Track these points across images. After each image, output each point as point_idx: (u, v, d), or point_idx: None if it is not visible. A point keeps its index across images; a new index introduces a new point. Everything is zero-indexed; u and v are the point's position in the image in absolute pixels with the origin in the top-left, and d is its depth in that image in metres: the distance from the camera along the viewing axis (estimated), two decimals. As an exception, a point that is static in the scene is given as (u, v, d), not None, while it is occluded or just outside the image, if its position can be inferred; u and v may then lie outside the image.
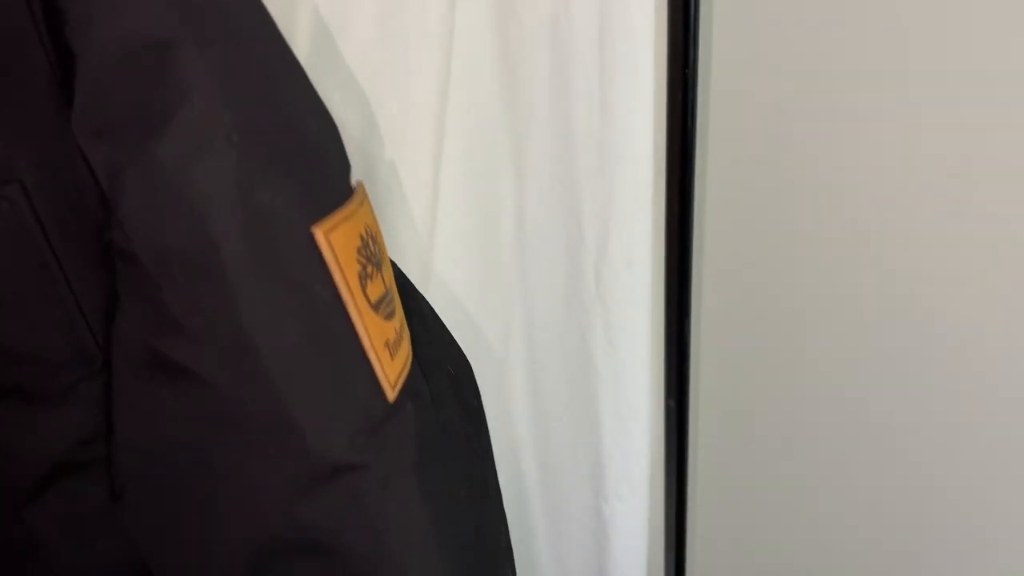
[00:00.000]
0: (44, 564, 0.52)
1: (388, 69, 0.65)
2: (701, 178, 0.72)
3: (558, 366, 0.84)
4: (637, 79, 0.65)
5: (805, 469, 0.77)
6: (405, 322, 0.51)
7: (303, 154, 0.43)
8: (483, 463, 0.64)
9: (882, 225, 0.61)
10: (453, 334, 0.73)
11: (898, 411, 0.66)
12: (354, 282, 0.43)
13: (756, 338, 0.76)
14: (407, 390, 0.47)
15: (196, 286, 0.41)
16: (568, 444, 0.87)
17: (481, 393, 0.77)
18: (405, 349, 0.49)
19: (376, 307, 0.45)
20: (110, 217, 0.45)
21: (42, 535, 0.51)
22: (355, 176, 0.65)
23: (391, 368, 0.46)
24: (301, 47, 0.64)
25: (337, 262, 0.42)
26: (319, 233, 0.42)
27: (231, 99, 0.40)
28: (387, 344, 0.46)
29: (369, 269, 0.45)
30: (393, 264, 0.58)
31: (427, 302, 0.64)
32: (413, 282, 0.72)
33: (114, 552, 0.54)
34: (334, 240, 0.42)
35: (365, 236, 0.46)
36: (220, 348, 0.42)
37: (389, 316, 0.47)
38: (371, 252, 0.46)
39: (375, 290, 0.45)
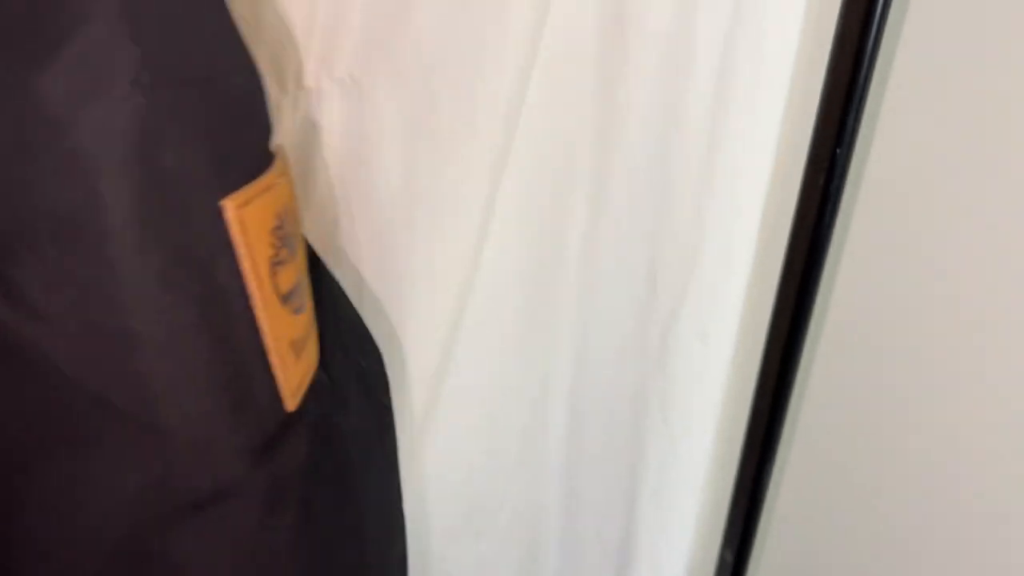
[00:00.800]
0: None
1: (451, 58, 0.57)
2: (829, 276, 0.59)
3: (600, 431, 0.75)
4: (758, 125, 0.56)
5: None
6: (314, 316, 0.44)
7: (223, 110, 0.35)
8: (385, 465, 0.58)
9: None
10: (485, 374, 0.66)
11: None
12: (264, 269, 0.36)
13: (852, 497, 0.62)
14: (309, 396, 0.40)
15: (68, 258, 0.33)
16: (596, 517, 0.80)
17: (509, 443, 0.70)
18: (311, 349, 0.42)
19: (286, 299, 0.38)
20: None
21: None
22: (393, 174, 0.58)
23: (294, 371, 0.39)
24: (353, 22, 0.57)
25: (246, 243, 0.35)
26: (230, 207, 0.34)
27: (142, 32, 0.32)
28: (293, 343, 0.39)
29: (283, 254, 0.38)
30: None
31: (338, 285, 0.56)
32: (446, 306, 0.64)
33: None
34: (247, 216, 0.35)
35: (282, 214, 0.38)
36: (85, 335, 0.34)
37: (298, 310, 0.40)
38: (286, 233, 0.39)
39: (287, 279, 0.38)
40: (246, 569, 0.38)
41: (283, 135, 0.63)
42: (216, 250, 0.35)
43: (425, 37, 0.57)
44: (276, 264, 0.37)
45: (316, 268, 0.51)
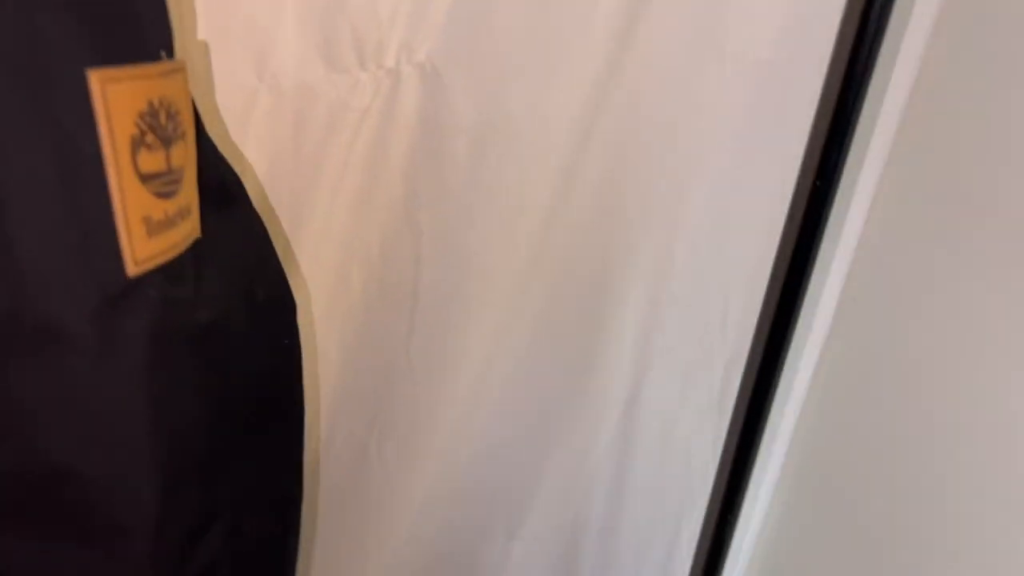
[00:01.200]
0: None
1: (531, 57, 0.58)
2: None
3: (654, 453, 0.74)
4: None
5: None
6: (194, 215, 0.49)
7: (107, 3, 0.41)
8: (286, 384, 0.60)
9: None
10: (534, 382, 0.66)
11: None
12: (123, 144, 0.41)
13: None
14: (157, 273, 0.44)
15: None
16: (636, 543, 0.79)
17: (554, 454, 0.70)
18: (173, 238, 0.46)
19: (145, 179, 0.43)
20: None
21: None
22: (460, 163, 0.60)
23: (143, 246, 0.43)
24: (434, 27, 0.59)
25: (108, 116, 0.40)
26: (95, 79, 0.40)
27: None
28: (146, 220, 0.43)
29: (148, 138, 0.43)
30: (231, 178, 0.55)
31: (261, 224, 0.60)
32: (499, 306, 0.64)
33: None
34: (111, 92, 0.40)
35: (156, 105, 0.43)
36: None
37: (164, 196, 0.45)
38: (159, 124, 0.44)
39: (150, 162, 0.43)
40: (75, 410, 0.42)
41: (360, 113, 0.65)
42: (77, 114, 0.40)
43: (508, 33, 0.58)
44: (138, 144, 0.42)
45: (236, 202, 0.56)
